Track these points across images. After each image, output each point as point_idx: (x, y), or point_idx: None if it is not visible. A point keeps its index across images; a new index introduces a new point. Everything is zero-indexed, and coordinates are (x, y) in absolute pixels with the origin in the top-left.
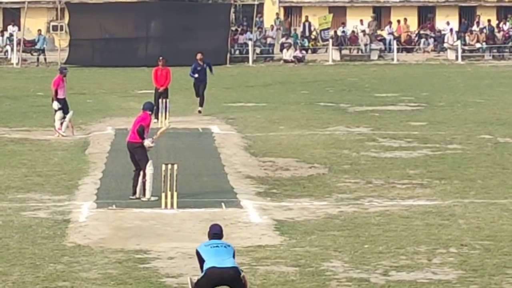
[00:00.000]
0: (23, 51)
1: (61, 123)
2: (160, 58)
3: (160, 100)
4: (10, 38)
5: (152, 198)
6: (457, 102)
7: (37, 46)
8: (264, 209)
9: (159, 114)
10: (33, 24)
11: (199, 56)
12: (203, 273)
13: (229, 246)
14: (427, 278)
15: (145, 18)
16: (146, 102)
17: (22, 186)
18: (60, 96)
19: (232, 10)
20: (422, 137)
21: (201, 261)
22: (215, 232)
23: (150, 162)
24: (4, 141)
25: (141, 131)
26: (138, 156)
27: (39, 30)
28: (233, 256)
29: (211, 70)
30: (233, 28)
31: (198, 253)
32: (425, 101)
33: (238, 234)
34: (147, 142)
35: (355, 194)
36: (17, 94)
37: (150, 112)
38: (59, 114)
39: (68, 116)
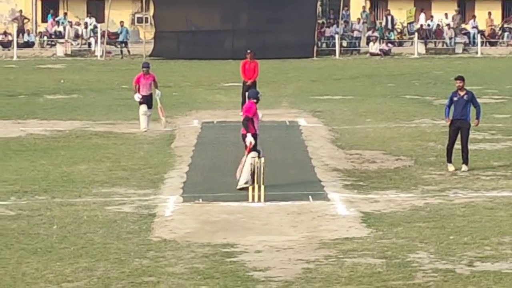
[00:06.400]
0: (107, 43)
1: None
2: (249, 51)
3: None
4: (94, 30)
5: (244, 185)
6: None
7: (120, 39)
8: (351, 201)
9: None
10: (117, 16)
11: (459, 83)
12: None
13: None
14: (511, 268)
15: (232, 10)
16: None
17: (106, 180)
18: (142, 93)
19: (319, 3)
20: (506, 129)
21: None
22: None
23: (253, 153)
24: (88, 134)
25: (246, 122)
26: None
27: (121, 22)
28: None
29: (478, 111)
30: (320, 21)
31: None
32: (509, 93)
33: (325, 227)
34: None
35: (440, 186)
36: (101, 87)
37: (254, 101)
38: (142, 108)
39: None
